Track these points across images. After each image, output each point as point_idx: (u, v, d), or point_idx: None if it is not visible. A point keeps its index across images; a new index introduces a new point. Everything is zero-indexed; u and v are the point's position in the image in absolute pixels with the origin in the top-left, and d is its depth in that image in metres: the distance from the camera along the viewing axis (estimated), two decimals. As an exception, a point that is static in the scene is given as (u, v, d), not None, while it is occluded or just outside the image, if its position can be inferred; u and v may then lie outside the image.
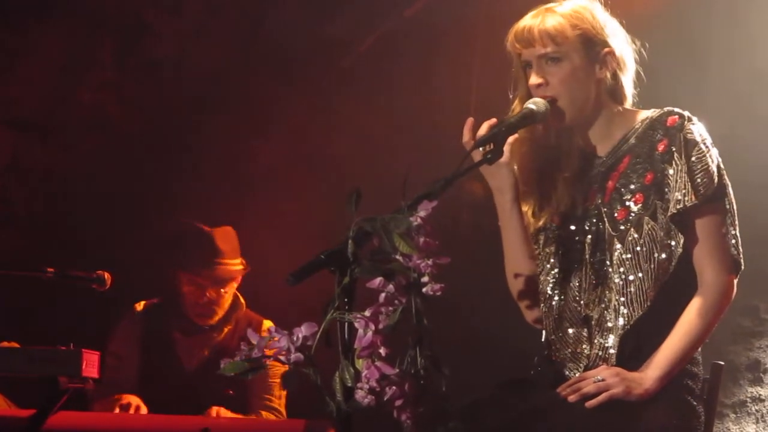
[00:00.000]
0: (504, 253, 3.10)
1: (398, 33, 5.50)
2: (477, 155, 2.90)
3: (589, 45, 2.95)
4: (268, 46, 5.67)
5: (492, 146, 2.86)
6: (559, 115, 2.94)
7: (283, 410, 4.69)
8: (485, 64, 5.25)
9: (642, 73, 3.05)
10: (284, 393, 4.66)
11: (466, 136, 2.97)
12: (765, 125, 4.97)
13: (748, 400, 5.11)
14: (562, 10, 2.96)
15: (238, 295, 4.81)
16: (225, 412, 4.46)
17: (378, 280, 2.35)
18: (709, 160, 2.89)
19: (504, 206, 3.05)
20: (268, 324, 4.73)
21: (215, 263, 4.64)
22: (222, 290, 4.68)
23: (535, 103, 2.92)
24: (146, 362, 4.72)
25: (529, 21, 2.96)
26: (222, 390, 4.56)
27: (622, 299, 2.88)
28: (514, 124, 2.88)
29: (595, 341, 2.91)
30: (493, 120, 2.95)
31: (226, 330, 4.75)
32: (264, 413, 4.63)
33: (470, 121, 2.98)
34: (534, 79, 2.96)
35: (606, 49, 2.96)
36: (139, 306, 4.82)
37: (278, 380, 4.53)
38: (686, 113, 2.95)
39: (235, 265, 4.70)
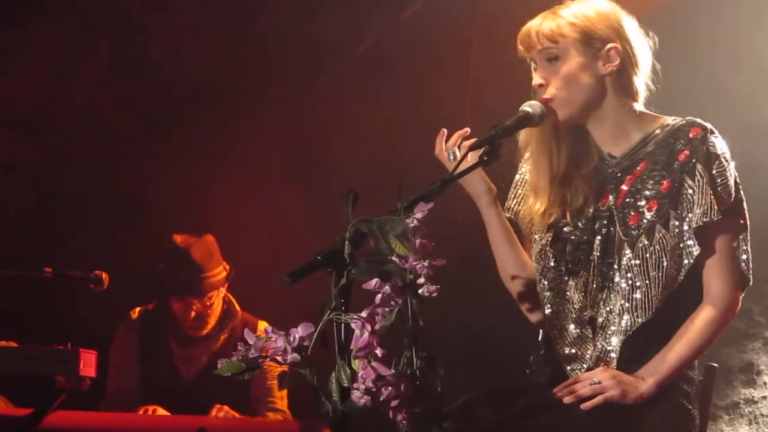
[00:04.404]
0: (494, 255, 3.13)
1: (392, 36, 5.51)
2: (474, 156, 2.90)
3: (589, 41, 2.92)
4: (260, 47, 5.68)
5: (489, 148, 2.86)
6: (559, 113, 2.93)
7: (287, 410, 4.67)
8: (480, 65, 5.28)
9: (658, 73, 3.01)
10: (285, 393, 4.64)
11: (438, 147, 3.01)
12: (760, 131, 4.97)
13: (741, 401, 5.13)
14: (563, 11, 2.95)
15: (233, 301, 4.75)
16: (228, 411, 4.47)
17: (374, 282, 2.36)
18: (729, 174, 2.88)
19: (482, 209, 3.09)
20: (263, 325, 4.66)
21: (196, 279, 4.57)
22: (208, 302, 4.62)
23: (531, 106, 2.92)
24: (145, 372, 4.68)
25: (530, 24, 2.97)
26: (221, 397, 4.53)
27: (627, 305, 2.87)
28: (510, 126, 2.87)
29: (598, 343, 2.91)
30: (465, 130, 2.98)
31: (222, 338, 4.70)
32: (270, 415, 4.61)
33: (443, 132, 3.01)
34: (535, 80, 2.96)
35: (609, 45, 2.93)
36: (134, 314, 4.76)
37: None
38: (708, 125, 2.92)
39: (217, 275, 4.63)
